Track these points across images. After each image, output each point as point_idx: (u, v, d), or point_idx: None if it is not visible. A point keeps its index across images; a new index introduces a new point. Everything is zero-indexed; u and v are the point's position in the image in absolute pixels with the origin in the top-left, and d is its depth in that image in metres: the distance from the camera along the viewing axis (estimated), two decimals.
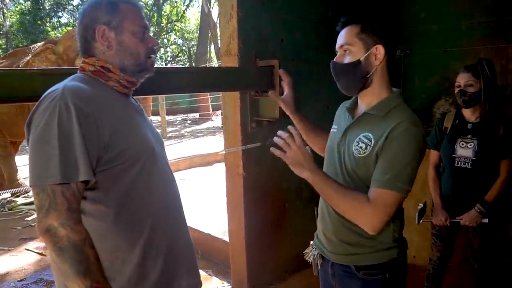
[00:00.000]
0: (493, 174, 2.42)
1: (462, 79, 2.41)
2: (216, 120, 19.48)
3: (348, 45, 1.47)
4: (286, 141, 1.43)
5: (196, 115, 20.98)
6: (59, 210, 1.13)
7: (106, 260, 1.23)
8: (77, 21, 1.40)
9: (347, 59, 1.48)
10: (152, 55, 1.41)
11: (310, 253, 1.75)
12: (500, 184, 2.39)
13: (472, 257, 2.56)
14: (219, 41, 19.11)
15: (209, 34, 19.94)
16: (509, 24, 3.58)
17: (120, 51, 1.34)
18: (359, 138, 1.49)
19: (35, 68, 1.88)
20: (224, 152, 3.07)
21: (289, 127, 1.53)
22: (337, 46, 1.53)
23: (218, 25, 19.18)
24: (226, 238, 3.72)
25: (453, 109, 3.88)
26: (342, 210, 1.45)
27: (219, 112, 19.72)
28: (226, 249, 3.57)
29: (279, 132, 1.48)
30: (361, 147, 1.47)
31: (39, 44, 6.98)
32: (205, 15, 19.48)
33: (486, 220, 2.41)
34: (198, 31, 22.93)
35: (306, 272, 3.45)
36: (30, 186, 1.16)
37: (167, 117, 16.99)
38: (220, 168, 8.38)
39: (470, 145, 2.42)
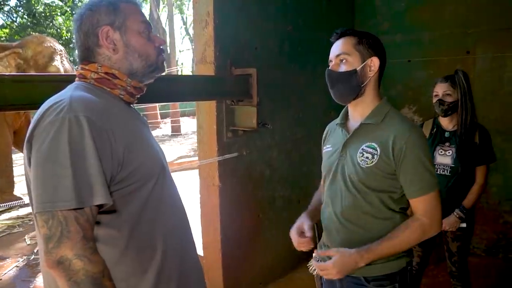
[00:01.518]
0: (470, 180, 2.50)
1: (441, 89, 2.48)
2: (165, 128, 19.17)
3: (345, 54, 1.50)
4: (320, 269, 1.51)
5: None
6: (73, 239, 0.99)
7: None
8: (73, 27, 1.24)
9: (343, 68, 1.51)
10: (162, 55, 1.31)
11: (314, 266, 1.71)
12: (477, 189, 2.48)
13: (450, 260, 2.63)
14: (168, 48, 18.88)
15: None
16: (468, 36, 3.74)
17: (128, 53, 1.22)
18: (362, 149, 1.50)
19: (6, 74, 1.72)
20: (199, 162, 2.98)
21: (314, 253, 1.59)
22: (332, 55, 1.55)
23: (167, 31, 18.97)
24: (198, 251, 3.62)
25: (417, 117, 4.02)
26: (410, 247, 1.54)
27: (167, 119, 19.44)
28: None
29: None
30: (367, 157, 1.48)
31: None
32: (154, 20, 19.14)
33: (464, 225, 2.49)
34: None
35: (281, 283, 3.44)
36: (35, 213, 1.01)
37: None
38: (179, 178, 8.20)
39: (449, 152, 2.49)
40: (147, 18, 1.33)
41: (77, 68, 1.25)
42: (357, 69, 1.49)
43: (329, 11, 3.92)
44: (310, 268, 1.71)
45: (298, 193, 3.67)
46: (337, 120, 1.69)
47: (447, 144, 2.51)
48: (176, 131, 17.50)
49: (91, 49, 1.21)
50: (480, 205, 3.74)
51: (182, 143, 14.59)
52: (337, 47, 1.54)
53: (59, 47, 6.35)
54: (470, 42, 3.74)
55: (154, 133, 17.79)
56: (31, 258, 4.31)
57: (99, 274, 1.02)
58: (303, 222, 1.70)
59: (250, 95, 2.83)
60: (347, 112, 1.66)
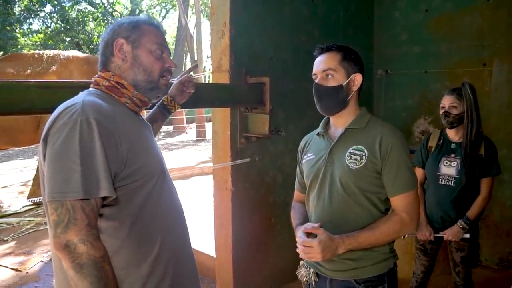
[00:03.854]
0: (475, 192, 2.52)
1: (447, 101, 2.52)
2: (190, 133, 19.40)
3: (332, 70, 1.59)
4: (304, 245, 1.52)
5: (170, 127, 20.85)
6: (79, 226, 1.12)
7: (118, 276, 1.23)
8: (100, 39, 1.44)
9: (330, 83, 1.60)
10: (166, 75, 1.43)
11: (303, 273, 1.78)
12: (481, 201, 2.50)
13: (454, 271, 2.65)
14: (195, 54, 19.15)
15: (186, 47, 19.90)
16: (485, 48, 3.75)
17: (134, 65, 1.36)
18: (350, 152, 1.59)
19: (33, 80, 1.86)
20: (213, 167, 3.09)
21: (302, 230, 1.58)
22: (317, 69, 1.64)
23: (194, 37, 19.28)
24: (210, 253, 3.72)
25: (432, 128, 4.04)
26: (389, 240, 1.60)
27: (193, 125, 19.67)
28: (211, 263, 3.57)
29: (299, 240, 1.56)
30: (356, 159, 1.57)
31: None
32: (181, 27, 19.48)
33: (467, 235, 2.52)
34: (175, 43, 22.91)
35: (291, 287, 3.50)
36: (47, 201, 1.14)
37: None
38: (198, 182, 8.35)
39: (454, 163, 2.53)
40: (166, 40, 1.46)
41: (96, 75, 1.41)
42: (343, 84, 1.59)
43: (346, 22, 3.99)
44: (299, 276, 1.79)
45: None
46: (317, 130, 1.78)
47: (452, 155, 2.55)
48: (200, 136, 17.70)
49: (107, 57, 1.38)
50: (493, 218, 3.73)
51: (205, 148, 14.76)
52: (322, 62, 1.62)
53: None
54: (486, 54, 3.74)
55: (180, 138, 18.08)
56: None
57: (100, 258, 1.15)
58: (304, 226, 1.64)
59: (263, 103, 2.92)
60: (327, 122, 1.76)
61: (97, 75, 1.38)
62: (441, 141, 2.63)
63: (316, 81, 1.64)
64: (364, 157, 1.56)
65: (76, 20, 19.34)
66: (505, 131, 3.61)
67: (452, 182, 2.52)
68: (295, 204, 1.92)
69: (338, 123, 1.69)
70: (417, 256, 2.78)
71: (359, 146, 1.58)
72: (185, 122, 19.92)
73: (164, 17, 27.75)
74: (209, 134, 17.80)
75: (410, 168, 1.58)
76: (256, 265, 3.30)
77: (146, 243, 1.31)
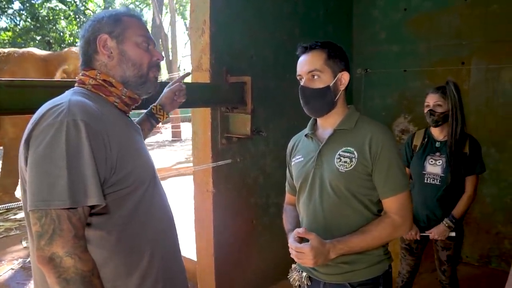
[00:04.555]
0: (460, 190, 2.52)
1: (432, 100, 2.51)
2: (165, 133, 19.20)
3: (318, 71, 1.52)
4: (297, 253, 1.45)
5: None
6: (65, 237, 1.02)
7: None
8: (79, 35, 1.32)
9: (317, 85, 1.54)
10: (155, 68, 1.35)
11: (295, 276, 1.72)
12: (467, 199, 2.50)
13: (440, 269, 2.65)
14: (170, 54, 18.95)
15: (161, 46, 19.68)
16: (463, 47, 3.78)
17: (122, 61, 1.27)
18: (339, 154, 1.53)
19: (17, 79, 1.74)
20: (193, 168, 3.01)
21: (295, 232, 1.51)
22: (302, 70, 1.56)
23: (169, 37, 19.07)
24: (190, 256, 3.64)
25: (412, 127, 4.06)
26: (381, 243, 1.54)
27: (168, 125, 19.47)
28: (192, 267, 3.49)
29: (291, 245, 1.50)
30: (345, 162, 1.51)
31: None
32: (156, 26, 19.24)
33: (453, 234, 2.51)
34: None
35: None
36: (29, 210, 1.03)
37: None
38: (175, 184, 8.23)
39: (439, 162, 2.52)
40: (149, 31, 1.37)
41: (80, 74, 1.30)
42: (330, 85, 1.53)
43: (326, 21, 3.97)
44: (290, 280, 1.74)
45: None
46: (305, 131, 1.70)
47: (437, 154, 2.54)
48: (176, 136, 17.54)
49: (90, 55, 1.27)
50: (474, 215, 3.77)
51: (181, 148, 14.62)
52: (307, 63, 1.55)
53: None
54: (465, 53, 3.77)
55: (155, 138, 17.86)
56: (27, 261, 4.32)
57: (89, 272, 1.05)
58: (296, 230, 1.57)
59: (245, 103, 2.86)
60: (315, 123, 1.69)
61: (81, 74, 1.28)
62: (426, 139, 2.62)
63: (302, 83, 1.56)
64: (354, 159, 1.50)
65: (46, 18, 18.84)
66: (484, 129, 3.64)
67: (438, 180, 2.51)
68: (286, 207, 1.86)
69: (326, 123, 1.62)
70: (403, 255, 2.76)
71: (349, 148, 1.52)
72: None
73: None
74: (184, 134, 17.66)
75: (401, 168, 1.53)
76: (239, 268, 3.24)
77: (135, 254, 1.22)
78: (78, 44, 1.32)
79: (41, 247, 1.02)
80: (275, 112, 3.40)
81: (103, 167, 1.10)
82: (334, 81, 1.53)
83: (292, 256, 1.50)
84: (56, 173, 1.02)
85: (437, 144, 2.56)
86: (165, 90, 1.80)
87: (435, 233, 2.51)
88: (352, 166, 1.49)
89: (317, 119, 1.67)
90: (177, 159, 11.95)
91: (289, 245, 1.51)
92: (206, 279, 3.11)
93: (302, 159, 1.66)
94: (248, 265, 3.32)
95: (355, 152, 1.50)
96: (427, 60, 3.97)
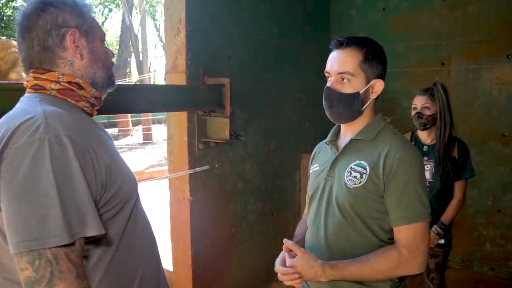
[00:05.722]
0: (449, 195, 2.44)
1: (419, 102, 2.42)
2: (136, 136, 18.85)
3: (349, 74, 1.34)
4: (282, 274, 1.33)
5: (115, 130, 20.13)
6: (66, 281, 0.84)
7: None
8: (21, 22, 1.05)
9: (346, 89, 1.36)
10: (112, 66, 1.20)
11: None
12: (456, 205, 2.42)
13: (428, 278, 2.58)
14: (140, 55, 18.62)
15: (131, 47, 19.31)
16: (442, 48, 3.74)
17: (93, 61, 1.10)
18: (351, 168, 1.36)
19: None
20: (170, 176, 2.85)
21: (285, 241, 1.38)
22: (332, 69, 1.38)
23: (139, 38, 18.70)
24: (166, 266, 3.48)
25: (392, 128, 3.99)
26: (381, 278, 1.32)
27: (138, 127, 19.14)
28: (167, 278, 3.32)
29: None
30: (355, 177, 1.34)
31: None
32: (126, 27, 18.85)
33: (442, 241, 2.44)
34: (118, 44, 22.15)
35: None
36: (15, 253, 0.84)
37: None
38: (147, 188, 8.01)
39: (427, 167, 2.43)
40: (101, 27, 1.21)
41: (28, 76, 1.08)
42: (360, 92, 1.34)
43: (304, 20, 3.87)
44: None
45: (272, 205, 3.58)
46: (327, 138, 1.55)
47: (425, 158, 2.45)
48: (147, 139, 17.23)
49: (51, 50, 1.05)
50: (455, 218, 3.72)
51: (153, 151, 14.34)
52: (339, 62, 1.36)
53: None
54: (444, 54, 3.73)
55: (125, 141, 17.50)
56: None
57: None
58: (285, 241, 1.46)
59: (223, 106, 2.73)
60: (339, 130, 1.53)
61: (33, 78, 1.06)
62: (413, 143, 2.53)
63: (329, 84, 1.38)
64: (364, 175, 1.31)
65: (12, 18, 18.23)
66: (464, 131, 3.59)
67: (426, 186, 2.43)
68: (303, 218, 1.70)
69: (348, 131, 1.45)
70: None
71: (362, 162, 1.34)
72: (130, 124, 19.29)
73: (107, 17, 26.80)
74: (156, 136, 17.36)
75: (420, 194, 1.29)
76: (218, 278, 3.10)
77: (128, 274, 1.08)
78: (20, 32, 1.06)
79: None
80: (253, 114, 3.28)
81: (94, 188, 0.94)
82: (366, 88, 1.35)
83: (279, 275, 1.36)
84: (46, 203, 0.84)
85: (425, 148, 2.48)
86: None
87: None
88: (361, 183, 1.31)
89: (341, 126, 1.50)
90: (149, 162, 11.69)
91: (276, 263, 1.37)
92: None
93: (318, 168, 1.51)
94: (228, 275, 3.19)
95: (367, 167, 1.32)
96: (406, 60, 3.91)
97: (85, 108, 1.10)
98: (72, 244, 0.87)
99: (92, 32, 1.10)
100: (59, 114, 0.95)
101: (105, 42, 1.18)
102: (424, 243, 1.30)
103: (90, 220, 0.89)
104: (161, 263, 1.28)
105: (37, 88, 1.05)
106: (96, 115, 1.19)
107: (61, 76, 1.05)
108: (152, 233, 1.24)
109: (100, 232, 0.90)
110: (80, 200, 0.88)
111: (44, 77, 1.05)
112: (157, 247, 1.26)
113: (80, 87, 1.08)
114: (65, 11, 1.06)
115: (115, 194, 1.00)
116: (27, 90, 1.08)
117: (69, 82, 1.06)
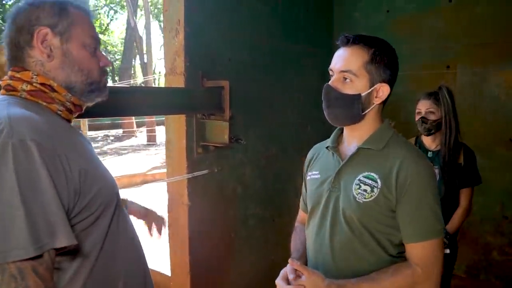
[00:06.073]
0: (454, 203, 2.37)
1: (424, 106, 2.35)
2: (140, 137, 18.87)
3: (351, 74, 1.27)
4: None
5: (120, 131, 20.15)
6: None
7: None
8: (6, 22, 1.04)
9: (347, 89, 1.28)
10: (105, 75, 1.14)
11: None
12: (461, 213, 2.35)
13: None
14: (145, 56, 18.62)
15: (135, 49, 19.32)
16: (448, 50, 3.67)
17: (65, 63, 1.04)
18: (359, 180, 1.28)
19: None
20: (168, 180, 2.79)
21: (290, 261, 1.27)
22: (335, 67, 1.32)
23: (144, 39, 18.71)
24: (164, 271, 3.42)
25: (395, 133, 3.92)
26: None
27: (143, 128, 19.15)
28: (165, 283, 3.27)
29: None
30: (365, 190, 1.26)
31: None
32: (130, 28, 18.88)
33: (447, 251, 2.34)
34: (123, 45, 22.18)
35: None
36: None
37: (89, 133, 16.18)
38: (150, 190, 7.96)
39: None
40: (96, 31, 1.15)
41: (6, 76, 1.04)
42: (362, 94, 1.27)
43: (306, 22, 3.80)
44: None
45: (272, 211, 3.51)
46: (327, 142, 1.46)
47: None
48: (151, 140, 17.24)
49: (21, 47, 1.02)
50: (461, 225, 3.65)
51: (156, 153, 14.32)
52: (343, 59, 1.29)
53: None
54: (450, 56, 3.66)
55: (129, 142, 17.50)
56: None
57: None
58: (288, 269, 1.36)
59: (222, 109, 2.67)
60: (340, 134, 1.45)
61: (7, 77, 1.02)
62: None
63: (329, 82, 1.31)
64: (376, 189, 1.24)
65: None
66: (470, 135, 3.50)
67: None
68: (297, 226, 1.63)
69: (352, 137, 1.37)
70: None
71: (372, 174, 1.26)
72: (134, 125, 19.31)
73: (112, 19, 26.87)
74: (160, 138, 17.36)
75: (434, 210, 1.24)
76: (216, 284, 3.04)
77: (108, 286, 1.01)
78: (4, 31, 1.04)
79: None
80: (254, 118, 3.21)
81: (65, 195, 0.88)
82: (369, 91, 1.28)
83: None
84: (9, 213, 0.79)
85: (430, 154, 2.40)
86: None
87: None
88: (372, 197, 1.24)
89: (344, 130, 1.41)
90: (152, 164, 11.65)
91: (276, 282, 1.27)
92: None
93: (319, 176, 1.42)
94: (227, 280, 3.12)
95: (378, 181, 1.25)
96: (411, 63, 3.83)
97: (59, 112, 1.04)
98: (40, 256, 0.80)
99: (69, 33, 1.04)
100: (27, 118, 0.90)
101: (96, 49, 1.11)
102: (439, 261, 1.26)
103: (60, 230, 0.83)
104: (148, 271, 1.22)
105: (9, 89, 1.01)
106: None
107: (34, 76, 1.01)
108: (138, 241, 1.18)
109: (71, 242, 0.84)
110: (48, 209, 0.82)
111: (19, 75, 1.01)
112: (143, 255, 1.20)
113: (53, 89, 1.02)
114: (42, 9, 1.02)
115: (92, 199, 0.95)
116: (1, 91, 1.03)
117: (42, 84, 1.01)
